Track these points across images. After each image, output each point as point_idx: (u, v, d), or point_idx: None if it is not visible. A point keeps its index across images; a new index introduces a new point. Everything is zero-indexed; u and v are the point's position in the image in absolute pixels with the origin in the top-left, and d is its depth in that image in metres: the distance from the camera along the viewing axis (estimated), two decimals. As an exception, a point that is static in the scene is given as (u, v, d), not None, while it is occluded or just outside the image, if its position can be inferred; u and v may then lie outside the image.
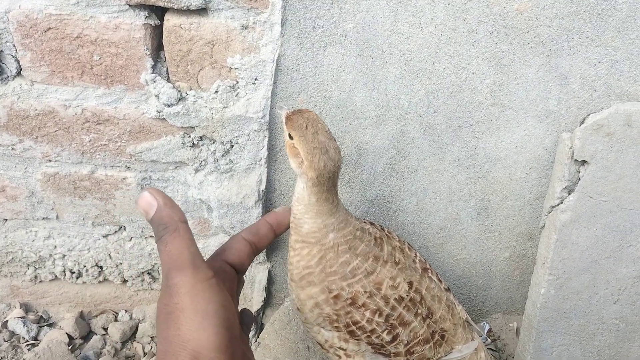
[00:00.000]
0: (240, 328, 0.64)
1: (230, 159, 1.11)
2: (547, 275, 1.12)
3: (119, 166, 1.15)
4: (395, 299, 0.85)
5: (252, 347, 1.21)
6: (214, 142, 1.09)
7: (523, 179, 1.13)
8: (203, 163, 1.11)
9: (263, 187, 1.13)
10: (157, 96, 1.03)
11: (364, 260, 0.85)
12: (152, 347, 1.35)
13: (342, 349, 0.88)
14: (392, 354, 0.88)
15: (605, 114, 0.98)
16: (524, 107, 1.04)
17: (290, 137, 0.80)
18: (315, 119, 0.79)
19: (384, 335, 0.85)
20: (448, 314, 0.93)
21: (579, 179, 1.04)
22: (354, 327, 0.84)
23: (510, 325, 1.36)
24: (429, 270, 0.95)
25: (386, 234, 0.93)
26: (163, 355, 0.57)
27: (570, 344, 1.21)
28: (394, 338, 0.86)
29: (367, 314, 0.83)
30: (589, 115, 1.02)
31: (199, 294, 0.58)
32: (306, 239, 0.82)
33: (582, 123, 1.02)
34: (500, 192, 1.15)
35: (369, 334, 0.85)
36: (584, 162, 1.02)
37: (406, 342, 0.86)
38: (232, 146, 1.09)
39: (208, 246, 1.27)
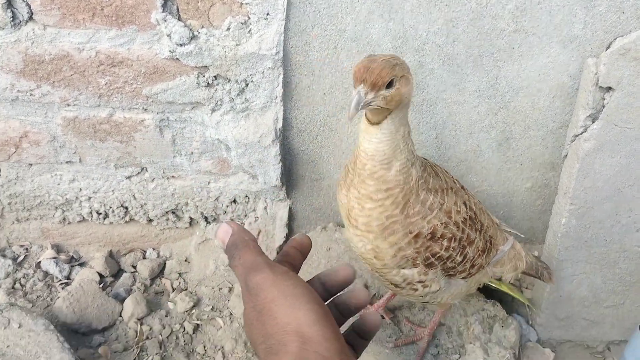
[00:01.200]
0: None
1: (245, 98, 1.10)
2: (569, 205, 1.11)
3: (136, 108, 1.15)
4: (462, 221, 0.88)
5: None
6: (228, 81, 1.08)
7: (546, 108, 1.10)
8: (219, 103, 1.11)
9: (280, 125, 1.13)
10: (169, 36, 1.02)
11: (435, 194, 0.86)
12: (179, 283, 1.39)
13: (421, 281, 0.91)
14: (459, 272, 0.93)
15: (632, 37, 0.94)
16: (547, 33, 1.00)
17: (390, 84, 0.73)
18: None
19: (457, 257, 0.89)
20: (490, 221, 0.99)
21: (604, 106, 1.00)
22: (432, 259, 0.87)
23: (533, 254, 1.36)
24: (464, 186, 0.98)
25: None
26: (269, 351, 0.58)
27: (591, 272, 1.21)
28: (465, 257, 0.90)
29: (445, 242, 0.86)
30: (616, 39, 0.98)
31: (282, 283, 0.59)
32: (391, 185, 0.79)
33: (608, 48, 0.98)
34: (523, 122, 1.13)
35: (445, 261, 0.88)
36: (609, 88, 0.99)
37: (471, 257, 0.91)
38: (247, 85, 1.08)
39: (228, 185, 1.28)
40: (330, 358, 0.54)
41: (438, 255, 0.86)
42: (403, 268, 0.87)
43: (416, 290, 0.92)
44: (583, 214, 1.12)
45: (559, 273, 1.22)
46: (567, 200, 1.11)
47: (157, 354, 1.23)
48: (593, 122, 1.03)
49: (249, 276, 0.61)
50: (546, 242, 1.23)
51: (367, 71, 0.71)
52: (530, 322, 1.31)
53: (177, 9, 1.01)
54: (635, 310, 1.28)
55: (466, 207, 0.90)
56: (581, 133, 1.05)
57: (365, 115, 0.77)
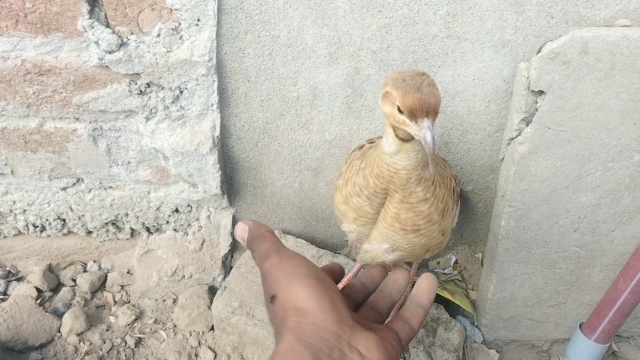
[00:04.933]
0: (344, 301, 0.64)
1: (181, 106, 1.07)
2: (507, 207, 1.12)
3: (67, 118, 1.11)
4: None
5: (219, 292, 1.22)
6: (162, 89, 1.05)
7: (482, 112, 1.11)
8: (153, 111, 1.08)
9: (217, 132, 1.10)
10: (96, 43, 0.98)
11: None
12: (122, 296, 1.35)
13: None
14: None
15: (561, 42, 0.95)
16: (479, 38, 1.01)
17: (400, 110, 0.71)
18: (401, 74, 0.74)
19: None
20: None
21: (537, 109, 1.02)
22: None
23: (476, 256, 1.38)
24: None
25: None
26: (276, 329, 0.61)
27: (532, 272, 1.23)
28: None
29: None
30: (546, 43, 0.99)
31: (285, 265, 0.63)
32: (433, 178, 0.81)
33: (538, 52, 0.99)
34: (460, 127, 1.13)
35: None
36: (541, 92, 1.00)
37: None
38: (181, 92, 1.05)
39: (169, 194, 1.25)
40: (326, 327, 0.57)
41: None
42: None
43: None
44: (521, 215, 1.13)
45: (501, 274, 1.23)
46: (505, 203, 1.12)
47: (96, 370, 1.19)
48: (527, 125, 1.04)
49: (262, 264, 0.65)
50: (487, 244, 1.24)
51: (428, 104, 0.68)
52: (476, 324, 1.32)
53: (105, 15, 0.98)
54: (576, 309, 1.30)
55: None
56: (516, 136, 1.06)
57: (396, 135, 0.74)
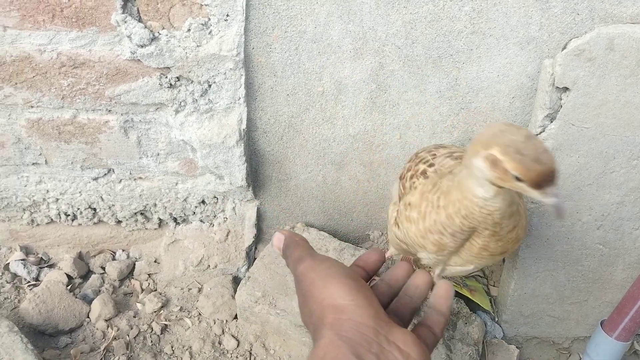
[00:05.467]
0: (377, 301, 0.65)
1: (209, 99, 1.10)
2: (529, 203, 1.13)
3: (100, 110, 1.14)
4: None
5: (242, 281, 1.25)
6: (191, 82, 1.08)
7: (507, 108, 1.11)
8: (182, 104, 1.11)
9: (244, 126, 1.13)
10: (129, 37, 1.02)
11: None
12: (149, 284, 1.39)
13: None
14: None
15: (586, 39, 0.95)
16: (504, 34, 1.01)
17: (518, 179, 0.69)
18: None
19: None
20: None
21: (561, 106, 1.02)
22: None
23: (498, 252, 1.38)
24: None
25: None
26: (313, 328, 0.63)
27: (554, 269, 1.23)
28: None
29: None
30: (571, 40, 0.99)
31: (319, 266, 0.65)
32: (519, 205, 0.83)
33: (564, 49, 1.00)
34: (484, 123, 1.14)
35: None
36: (566, 88, 1.00)
37: None
38: (209, 86, 1.08)
39: (196, 186, 1.28)
40: (363, 322, 0.58)
41: None
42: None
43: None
44: (544, 212, 1.14)
45: (522, 270, 1.23)
46: (527, 199, 1.12)
47: (123, 354, 1.23)
48: (551, 122, 1.04)
49: (295, 268, 0.68)
50: (510, 241, 1.24)
51: (552, 173, 0.68)
52: (496, 319, 1.33)
53: (138, 10, 1.01)
54: (598, 307, 1.30)
55: None
56: (540, 133, 1.06)
57: (493, 183, 0.73)
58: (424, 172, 0.91)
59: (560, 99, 1.02)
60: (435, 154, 0.94)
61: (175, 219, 1.38)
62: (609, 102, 1.00)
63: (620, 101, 1.00)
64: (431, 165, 0.91)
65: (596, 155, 1.06)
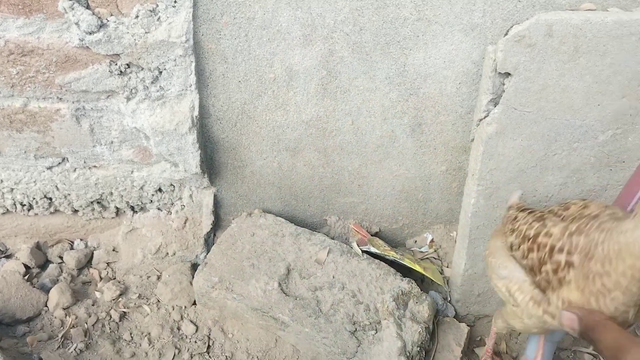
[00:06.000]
0: None
1: (160, 86, 1.10)
2: (477, 186, 1.16)
3: (51, 98, 1.14)
4: None
5: (199, 267, 1.26)
6: (141, 69, 1.08)
7: (454, 94, 1.14)
8: (134, 91, 1.11)
9: (196, 113, 1.14)
10: (77, 24, 1.01)
11: None
12: (107, 273, 1.39)
13: None
14: None
15: (526, 25, 0.98)
16: (449, 21, 1.04)
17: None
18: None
19: None
20: None
21: (504, 91, 1.05)
22: None
23: (451, 234, 1.42)
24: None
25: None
26: None
27: (504, 249, 1.27)
28: None
29: None
30: (513, 26, 1.02)
31: None
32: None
33: (505, 35, 1.03)
34: (433, 108, 1.17)
35: None
36: (508, 74, 1.03)
37: None
38: (160, 73, 1.08)
39: (152, 173, 1.28)
40: None
41: None
42: None
43: None
44: (490, 194, 1.17)
45: (472, 251, 1.27)
46: (475, 182, 1.16)
47: (82, 341, 1.23)
48: (495, 106, 1.07)
49: (616, 356, 0.63)
50: (460, 222, 1.28)
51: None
52: (448, 299, 1.36)
53: (85, -3, 1.00)
54: (546, 285, 1.34)
55: None
56: (484, 117, 1.09)
57: None
58: (569, 264, 0.78)
59: (503, 84, 1.05)
60: (569, 232, 0.80)
61: (132, 208, 1.38)
62: (549, 87, 1.03)
63: (560, 86, 1.03)
64: (571, 252, 0.78)
65: (539, 139, 1.10)
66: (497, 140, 1.10)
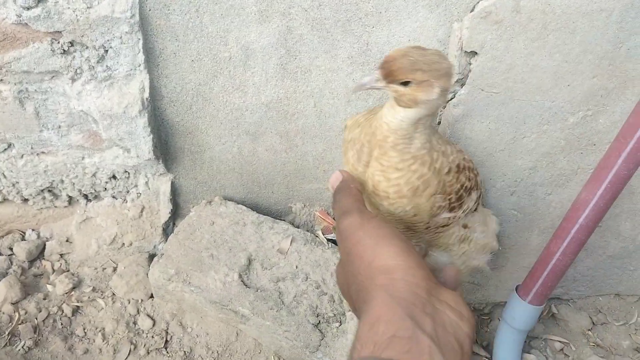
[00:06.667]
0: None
1: (107, 66, 1.03)
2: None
3: (-10, 79, 1.06)
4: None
5: (155, 259, 1.20)
6: (86, 48, 1.01)
7: (419, 74, 1.09)
8: (78, 71, 1.04)
9: (147, 94, 1.07)
10: (13, -2, 0.94)
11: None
12: (61, 265, 1.33)
13: (465, 226, 0.95)
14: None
15: (493, 0, 0.93)
16: (413, -4, 0.98)
17: (406, 83, 0.72)
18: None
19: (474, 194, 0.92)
20: None
21: (470, 71, 1.00)
22: (462, 191, 0.87)
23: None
24: None
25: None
26: (361, 288, 0.62)
27: (472, 236, 1.23)
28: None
29: (468, 173, 0.88)
30: (479, 2, 0.97)
31: (367, 225, 0.65)
32: (413, 156, 0.79)
33: (472, 11, 0.97)
34: (398, 89, 1.11)
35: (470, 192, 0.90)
36: (474, 53, 0.98)
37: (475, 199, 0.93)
38: (106, 51, 1.01)
39: (104, 160, 1.21)
40: (416, 283, 0.58)
41: (464, 186, 0.88)
42: (440, 214, 0.87)
43: (464, 240, 0.96)
44: (459, 179, 1.13)
45: (442, 239, 1.23)
46: (443, 167, 1.11)
47: (30, 338, 1.17)
48: (461, 87, 1.02)
49: (339, 220, 0.68)
50: (428, 209, 1.24)
51: (389, 62, 0.72)
52: (417, 289, 1.32)
53: (20, -32, 0.93)
54: (516, 272, 1.31)
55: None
56: (451, 99, 1.04)
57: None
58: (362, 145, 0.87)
59: (470, 64, 1.00)
60: None
61: (85, 196, 1.31)
62: (517, 66, 0.99)
63: (528, 65, 0.99)
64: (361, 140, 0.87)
65: (507, 121, 1.06)
66: (464, 123, 1.05)
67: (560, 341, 1.36)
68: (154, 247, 1.32)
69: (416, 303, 0.56)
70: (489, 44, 0.97)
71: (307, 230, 1.31)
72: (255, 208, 1.32)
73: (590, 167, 1.12)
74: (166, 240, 1.32)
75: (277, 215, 1.36)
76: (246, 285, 1.16)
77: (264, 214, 1.31)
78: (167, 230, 1.33)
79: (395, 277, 0.59)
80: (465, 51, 0.98)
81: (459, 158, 0.87)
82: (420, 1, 0.99)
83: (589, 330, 1.38)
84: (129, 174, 1.26)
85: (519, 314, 1.19)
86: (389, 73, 0.72)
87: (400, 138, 0.77)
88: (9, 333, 1.17)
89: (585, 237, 1.05)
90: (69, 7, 0.95)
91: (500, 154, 1.10)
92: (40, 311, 1.23)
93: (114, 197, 1.31)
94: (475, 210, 0.96)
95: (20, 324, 1.19)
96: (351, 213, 0.68)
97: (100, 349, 1.19)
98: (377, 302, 0.57)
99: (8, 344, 1.16)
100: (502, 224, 1.21)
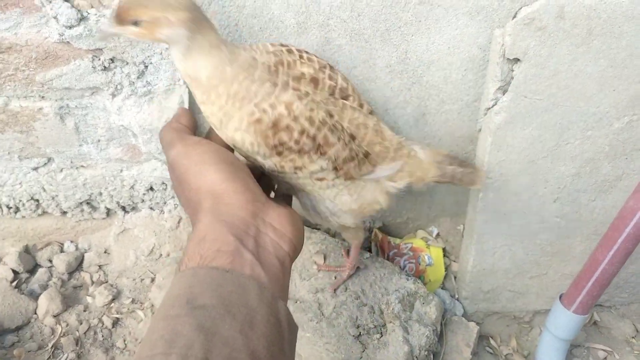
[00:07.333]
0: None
1: (147, 81, 1.04)
2: (485, 178, 1.10)
3: (32, 96, 1.07)
4: (319, 122, 0.83)
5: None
6: (126, 64, 1.01)
7: (459, 81, 1.08)
8: (119, 87, 1.04)
9: (186, 108, 1.07)
10: (55, 18, 0.95)
11: (262, 84, 0.80)
12: (99, 276, 1.34)
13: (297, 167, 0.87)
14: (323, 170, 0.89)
15: (536, 6, 0.92)
16: (453, 4, 0.97)
17: (136, 23, 0.73)
18: None
19: (313, 155, 0.85)
20: (377, 137, 0.93)
21: (512, 78, 0.99)
22: (281, 148, 0.82)
23: (458, 227, 1.36)
24: (350, 97, 0.91)
25: (286, 63, 0.85)
26: (192, 213, 0.66)
27: (512, 244, 1.21)
28: (323, 156, 0.86)
29: (295, 135, 0.81)
30: (522, 8, 0.95)
31: (192, 153, 0.68)
32: (208, 83, 0.78)
33: (514, 17, 0.96)
34: (437, 97, 1.10)
35: (297, 153, 0.83)
36: (517, 59, 0.97)
37: (334, 159, 0.87)
38: (146, 67, 1.02)
39: (142, 172, 1.22)
40: (241, 206, 0.62)
41: (286, 145, 0.81)
42: (268, 157, 0.82)
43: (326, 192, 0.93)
44: (499, 187, 1.11)
45: (480, 246, 1.21)
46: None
47: (72, 350, 1.18)
48: (503, 94, 1.01)
49: (166, 153, 0.70)
50: (467, 216, 1.22)
51: (120, 3, 0.72)
52: (456, 297, 1.31)
53: (62, -12, 0.94)
54: (558, 279, 1.29)
55: (329, 115, 0.85)
56: (492, 106, 1.03)
57: None
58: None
59: (512, 71, 0.98)
60: None
61: (123, 208, 1.32)
62: (561, 73, 0.97)
63: (572, 71, 0.97)
64: None
65: (550, 127, 1.04)
66: (506, 130, 1.04)
67: (603, 349, 1.33)
68: (192, 257, 1.33)
69: (240, 226, 0.61)
70: (532, 51, 0.95)
71: (344, 240, 1.30)
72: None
73: (635, 173, 1.10)
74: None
75: (312, 225, 1.36)
76: (286, 296, 1.15)
77: (300, 223, 1.30)
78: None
79: (220, 201, 0.62)
80: (508, 58, 0.97)
81: (280, 112, 0.80)
82: (460, 9, 0.97)
83: (632, 337, 1.35)
84: (166, 185, 1.27)
85: (563, 323, 1.17)
86: (118, 16, 0.72)
87: (188, 75, 0.79)
88: (52, 346, 1.18)
89: (633, 245, 1.03)
90: (110, 24, 0.95)
91: (543, 160, 1.08)
92: (81, 323, 1.24)
93: (151, 208, 1.32)
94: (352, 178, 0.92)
95: (62, 337, 1.20)
96: (174, 144, 0.70)
97: (142, 361, 1.19)
98: (203, 223, 0.61)
99: (51, 357, 1.17)
100: (545, 232, 1.19)
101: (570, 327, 1.17)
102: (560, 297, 1.19)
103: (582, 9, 0.91)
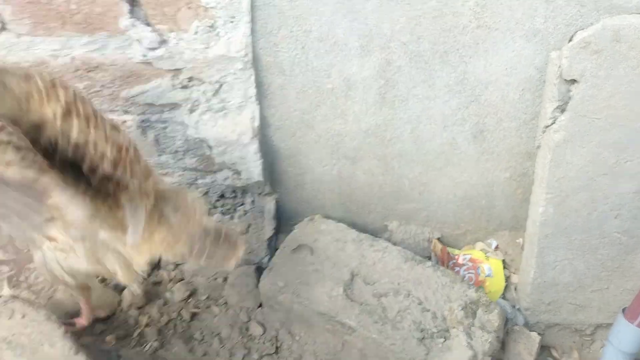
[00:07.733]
0: None
1: (221, 98, 1.13)
2: (545, 194, 1.12)
3: (117, 110, 1.19)
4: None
5: (265, 271, 1.29)
6: (203, 83, 1.11)
7: (517, 101, 1.10)
8: (196, 103, 1.15)
9: (257, 123, 1.16)
10: (138, 41, 1.06)
11: None
12: (176, 274, 1.45)
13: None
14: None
15: (592, 31, 0.93)
16: (510, 27, 1.00)
17: None
18: None
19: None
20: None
21: (570, 98, 1.01)
22: None
23: (517, 241, 1.37)
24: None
25: None
26: None
27: (573, 258, 1.22)
28: None
29: None
30: (577, 32, 0.97)
31: None
32: None
33: (570, 41, 0.98)
34: (495, 115, 1.13)
35: None
36: (574, 80, 0.99)
37: None
38: (221, 86, 1.11)
39: (215, 181, 1.32)
40: None
41: None
42: None
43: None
44: (559, 202, 1.13)
45: (541, 260, 1.23)
46: (543, 190, 1.12)
47: (155, 340, 1.29)
48: (562, 113, 1.03)
49: None
50: (527, 231, 1.24)
51: None
52: (517, 307, 1.33)
53: (145, 14, 1.04)
54: (620, 294, 1.28)
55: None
56: (551, 124, 1.05)
57: None
58: None
59: (569, 91, 1.00)
60: None
61: (199, 212, 1.43)
62: (619, 94, 0.98)
63: (630, 92, 0.98)
64: None
65: (609, 146, 1.05)
66: (565, 148, 1.06)
67: (668, 367, 1.31)
68: (260, 260, 1.42)
69: None
70: (589, 72, 0.97)
71: (405, 248, 1.35)
72: (352, 226, 1.38)
73: (700, 192, 1.08)
74: (271, 254, 1.41)
75: (372, 232, 1.41)
76: (350, 299, 1.22)
77: (361, 232, 1.36)
78: (271, 244, 1.42)
79: None
80: (565, 79, 0.99)
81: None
82: (517, 32, 1.01)
83: (699, 355, 1.32)
84: (236, 193, 1.37)
85: (627, 337, 1.17)
86: None
87: None
88: (137, 335, 1.31)
89: (695, 264, 1.02)
90: (188, 48, 1.05)
91: (602, 177, 1.09)
92: (162, 316, 1.36)
93: (222, 214, 1.42)
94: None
95: (146, 327, 1.32)
96: None
97: (218, 352, 1.29)
98: None
99: (137, 345, 1.30)
100: (605, 247, 1.19)
101: (634, 340, 1.17)
102: (623, 310, 1.19)
103: (638, 32, 0.92)
